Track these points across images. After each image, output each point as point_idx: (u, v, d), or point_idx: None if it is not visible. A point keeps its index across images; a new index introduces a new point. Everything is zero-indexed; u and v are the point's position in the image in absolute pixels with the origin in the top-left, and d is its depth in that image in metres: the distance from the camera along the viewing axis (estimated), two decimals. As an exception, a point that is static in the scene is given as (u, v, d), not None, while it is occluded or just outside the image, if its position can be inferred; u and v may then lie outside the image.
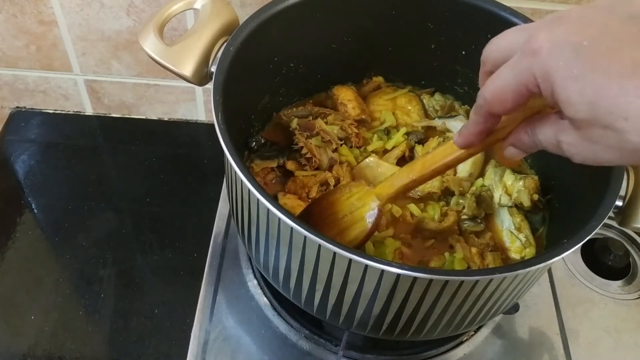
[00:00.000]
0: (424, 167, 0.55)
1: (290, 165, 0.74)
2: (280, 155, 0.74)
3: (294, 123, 0.76)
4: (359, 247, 0.61)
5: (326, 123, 0.77)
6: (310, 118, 0.77)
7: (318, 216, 0.63)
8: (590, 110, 0.36)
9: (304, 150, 0.73)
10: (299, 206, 0.68)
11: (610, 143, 0.37)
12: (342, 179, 0.73)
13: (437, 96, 0.83)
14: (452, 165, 0.54)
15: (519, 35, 0.41)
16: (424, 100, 0.84)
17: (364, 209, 0.60)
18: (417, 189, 0.73)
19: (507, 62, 0.41)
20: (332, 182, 0.71)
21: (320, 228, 0.61)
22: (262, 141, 0.76)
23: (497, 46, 0.44)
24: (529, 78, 0.39)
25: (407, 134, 0.79)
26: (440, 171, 0.55)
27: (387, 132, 0.80)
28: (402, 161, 0.76)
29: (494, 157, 0.78)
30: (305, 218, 0.64)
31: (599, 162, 0.40)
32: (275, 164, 0.74)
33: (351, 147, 0.76)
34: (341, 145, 0.76)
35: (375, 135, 0.78)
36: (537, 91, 0.39)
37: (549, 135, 0.42)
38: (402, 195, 0.60)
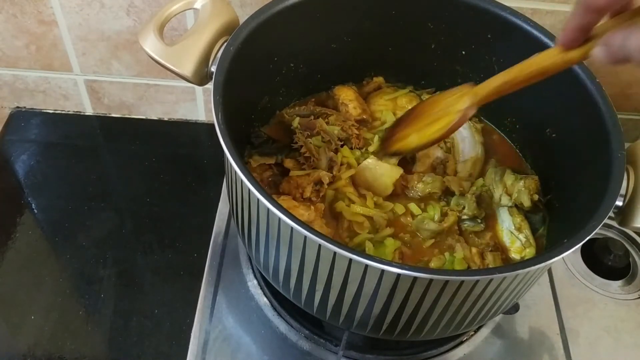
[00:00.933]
0: (520, 70, 0.54)
1: (288, 163, 0.73)
2: (279, 152, 0.74)
3: (296, 122, 0.76)
4: (440, 139, 0.63)
5: (328, 123, 0.77)
6: (312, 117, 0.77)
7: (419, 111, 0.66)
8: None
9: (303, 149, 0.73)
10: (294, 207, 0.68)
11: None
12: (341, 179, 0.73)
13: (438, 96, 0.83)
14: (548, 72, 0.52)
15: None
16: (425, 101, 0.84)
17: (458, 104, 0.60)
18: (417, 190, 0.73)
19: None
20: (326, 180, 0.71)
21: (414, 121, 0.65)
22: (264, 137, 0.76)
23: None
24: None
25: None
26: (535, 76, 0.53)
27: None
28: (403, 162, 0.76)
29: (495, 156, 0.79)
30: (408, 114, 0.68)
31: None
32: (273, 161, 0.74)
33: (352, 148, 0.76)
34: (341, 145, 0.76)
35: (376, 136, 0.78)
36: None
37: None
38: (497, 96, 0.58)
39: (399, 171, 0.73)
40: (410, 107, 0.82)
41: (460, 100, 0.60)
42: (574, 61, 0.49)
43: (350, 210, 0.70)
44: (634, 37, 0.41)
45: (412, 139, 0.64)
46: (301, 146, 0.74)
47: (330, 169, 0.73)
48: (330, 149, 0.74)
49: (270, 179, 0.73)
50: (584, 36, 0.46)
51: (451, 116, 0.60)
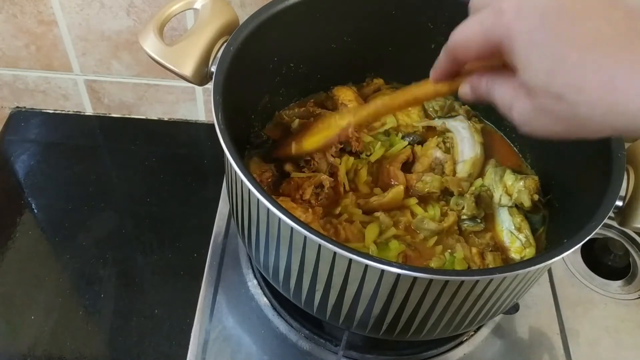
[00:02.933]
0: (396, 97, 0.58)
1: (289, 167, 0.73)
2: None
3: (295, 123, 0.76)
4: (317, 150, 0.71)
5: None
6: (312, 119, 0.77)
7: (308, 125, 0.73)
8: (546, 78, 0.36)
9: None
10: (292, 209, 0.67)
11: (560, 115, 0.37)
12: (343, 184, 0.72)
13: (437, 96, 0.83)
14: (421, 99, 0.56)
15: None
16: (424, 101, 0.84)
17: (340, 121, 0.66)
18: (417, 189, 0.73)
19: (477, 14, 0.41)
20: (327, 184, 0.71)
21: (300, 133, 0.72)
22: (264, 137, 0.76)
23: None
24: (492, 35, 0.39)
25: (405, 135, 0.79)
26: (410, 103, 0.58)
27: (387, 135, 0.80)
28: (405, 165, 0.76)
29: (495, 156, 0.79)
30: (299, 129, 0.74)
31: (543, 133, 0.40)
32: (273, 164, 0.73)
33: (351, 151, 0.76)
34: (341, 149, 0.75)
35: (379, 142, 0.78)
36: (498, 49, 0.39)
37: (506, 96, 0.42)
38: (375, 118, 0.69)
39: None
40: (409, 108, 0.82)
41: (343, 118, 0.66)
42: (442, 94, 0.52)
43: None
44: (497, 88, 0.43)
45: (292, 146, 0.71)
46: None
47: (331, 174, 0.73)
48: (329, 153, 0.74)
49: (269, 180, 0.73)
50: (452, 76, 0.49)
51: (331, 130, 0.67)
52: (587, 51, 0.34)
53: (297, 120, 0.77)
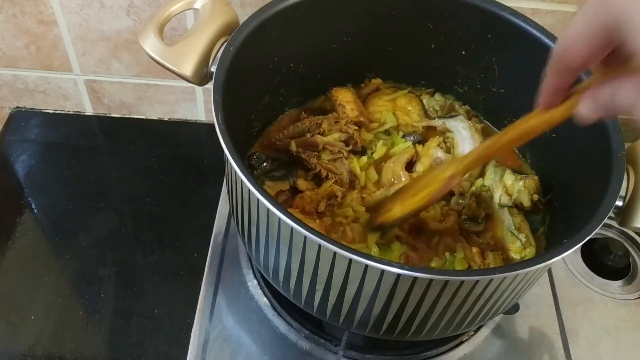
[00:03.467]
0: (501, 136, 0.53)
1: (302, 184, 0.72)
2: (290, 175, 0.73)
3: (293, 146, 0.75)
4: (424, 207, 0.64)
5: (322, 132, 0.76)
6: (309, 136, 0.75)
7: (405, 187, 0.67)
8: None
9: (322, 173, 0.72)
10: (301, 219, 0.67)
11: None
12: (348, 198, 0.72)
13: (437, 96, 0.83)
14: (530, 134, 0.50)
15: None
16: (424, 101, 0.84)
17: (443, 173, 0.61)
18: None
19: (582, 8, 0.37)
20: (339, 194, 0.71)
21: (400, 194, 0.65)
22: (263, 158, 0.75)
23: None
24: (602, 24, 0.35)
25: (406, 135, 0.79)
26: (516, 140, 0.52)
27: (388, 134, 0.80)
28: (407, 165, 0.76)
29: (495, 157, 0.79)
30: (396, 192, 0.68)
31: None
32: (287, 186, 0.72)
33: (353, 150, 0.76)
34: (349, 149, 0.75)
35: (381, 141, 0.78)
36: (612, 39, 0.35)
37: (631, 95, 0.37)
38: (481, 163, 0.62)
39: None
40: (409, 107, 0.82)
41: (446, 170, 0.61)
42: (556, 122, 0.47)
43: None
44: (622, 89, 0.38)
45: (396, 210, 0.65)
46: (319, 170, 0.72)
47: (351, 183, 0.73)
48: (343, 159, 0.73)
49: (284, 200, 0.72)
50: (563, 96, 0.44)
51: (436, 184, 0.61)
52: None
53: (293, 142, 0.75)
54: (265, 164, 0.75)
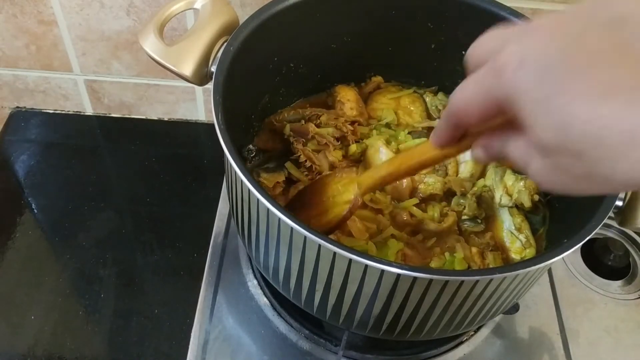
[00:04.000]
0: (401, 163, 0.55)
1: (295, 172, 0.73)
2: (282, 165, 0.73)
3: (287, 129, 0.75)
4: (331, 232, 0.63)
5: (319, 124, 0.76)
6: (303, 122, 0.76)
7: (310, 196, 0.66)
8: (557, 137, 0.32)
9: (302, 158, 0.72)
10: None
11: (579, 173, 0.33)
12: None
13: (441, 95, 0.83)
14: (428, 164, 0.53)
15: (495, 42, 0.38)
16: (427, 99, 0.83)
17: (345, 195, 0.62)
18: (419, 190, 0.73)
19: (475, 74, 0.38)
20: None
21: (306, 208, 0.65)
22: (255, 150, 0.75)
23: (475, 51, 0.41)
24: (494, 96, 0.36)
25: (409, 133, 0.79)
26: (416, 169, 0.54)
27: (388, 127, 0.79)
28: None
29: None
30: (298, 198, 0.68)
31: (568, 192, 0.37)
32: (283, 177, 0.72)
33: (348, 145, 0.76)
34: (338, 144, 0.75)
35: (375, 130, 0.78)
36: (502, 108, 0.36)
37: (521, 154, 0.38)
38: (380, 187, 0.63)
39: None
40: (412, 107, 0.82)
41: (346, 192, 0.62)
42: (452, 155, 0.49)
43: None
44: (512, 146, 0.39)
45: (312, 223, 0.65)
46: (299, 155, 0.73)
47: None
48: (329, 152, 0.74)
49: (280, 191, 0.72)
50: (456, 141, 0.46)
51: (340, 207, 0.62)
52: (601, 103, 0.30)
53: (288, 126, 0.75)
54: (257, 156, 0.75)
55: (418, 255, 0.68)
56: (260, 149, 0.76)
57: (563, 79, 0.31)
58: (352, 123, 0.78)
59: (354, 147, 0.75)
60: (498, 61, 0.35)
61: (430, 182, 0.73)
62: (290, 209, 0.68)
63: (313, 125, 0.75)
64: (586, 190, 0.35)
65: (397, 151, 0.76)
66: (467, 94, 0.39)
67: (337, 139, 0.75)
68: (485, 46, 0.40)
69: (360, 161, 0.76)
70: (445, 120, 0.44)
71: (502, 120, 0.40)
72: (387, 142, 0.76)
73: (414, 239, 0.69)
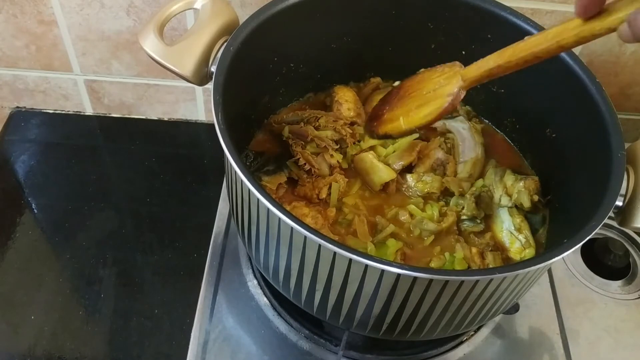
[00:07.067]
0: (514, 53, 0.51)
1: (296, 173, 0.73)
2: (284, 167, 0.74)
3: (286, 131, 0.75)
4: (430, 124, 0.61)
5: (318, 127, 0.75)
6: (302, 124, 0.76)
7: (406, 89, 0.64)
8: None
9: (301, 161, 0.72)
10: (302, 216, 0.68)
11: None
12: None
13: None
14: (542, 56, 0.49)
15: None
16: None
17: (447, 87, 0.58)
18: (417, 190, 0.73)
19: None
20: (342, 183, 0.72)
21: (405, 101, 0.62)
22: (253, 154, 0.75)
23: None
24: None
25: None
26: (528, 61, 0.50)
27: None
28: (408, 169, 0.76)
29: (495, 157, 0.79)
30: (394, 93, 0.65)
31: None
32: (284, 178, 0.73)
33: (347, 147, 0.76)
34: (337, 147, 0.75)
35: None
36: None
37: None
38: (488, 79, 0.56)
39: (391, 175, 0.73)
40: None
41: (449, 84, 0.58)
42: (575, 43, 0.45)
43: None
44: None
45: (400, 122, 0.62)
46: (299, 158, 0.73)
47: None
48: (328, 155, 0.74)
49: (284, 192, 0.73)
50: (601, 3, 0.43)
51: (441, 100, 0.58)
52: None
53: (287, 128, 0.75)
54: (255, 160, 0.75)
55: (417, 255, 0.69)
56: (257, 152, 0.76)
57: None
58: (351, 124, 0.78)
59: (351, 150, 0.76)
60: None
61: (427, 181, 0.73)
62: (385, 102, 0.66)
63: (312, 127, 0.75)
64: None
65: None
66: None
67: (336, 142, 0.75)
68: None
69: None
70: None
71: None
72: (382, 147, 0.77)
73: (412, 238, 0.69)
